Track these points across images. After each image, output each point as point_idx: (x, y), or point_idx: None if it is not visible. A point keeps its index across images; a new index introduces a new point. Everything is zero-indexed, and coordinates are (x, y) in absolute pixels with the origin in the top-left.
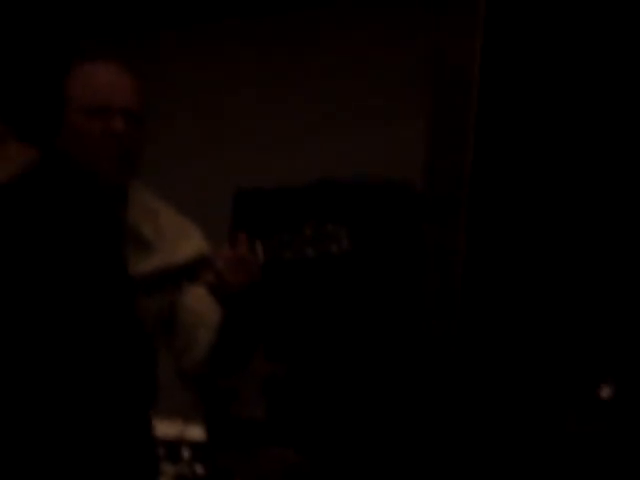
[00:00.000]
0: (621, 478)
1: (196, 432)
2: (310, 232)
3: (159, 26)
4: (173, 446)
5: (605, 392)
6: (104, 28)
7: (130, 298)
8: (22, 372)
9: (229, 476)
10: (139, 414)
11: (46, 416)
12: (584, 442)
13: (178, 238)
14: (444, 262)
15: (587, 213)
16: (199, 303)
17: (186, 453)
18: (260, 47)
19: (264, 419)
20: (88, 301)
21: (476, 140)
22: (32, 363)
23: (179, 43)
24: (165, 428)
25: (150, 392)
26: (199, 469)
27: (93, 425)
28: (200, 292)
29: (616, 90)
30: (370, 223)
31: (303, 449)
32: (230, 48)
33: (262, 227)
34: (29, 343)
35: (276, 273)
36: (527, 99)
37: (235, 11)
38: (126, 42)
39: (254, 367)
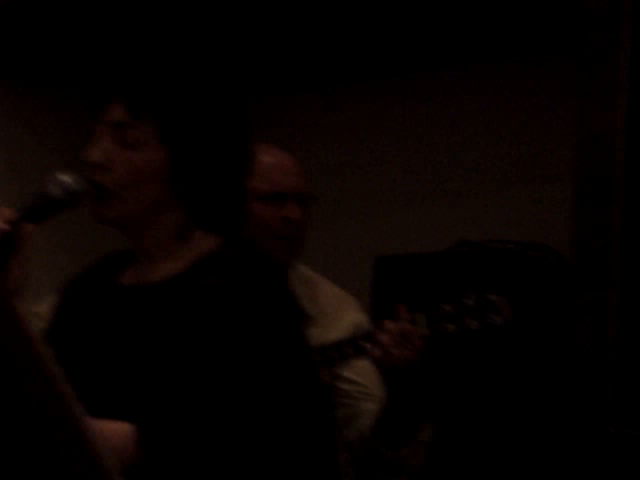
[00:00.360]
0: None
1: None
2: (471, 303)
3: (294, 90)
4: None
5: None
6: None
7: (317, 379)
8: (219, 446)
9: None
10: None
11: None
12: None
13: (337, 311)
14: (597, 327)
15: None
16: (362, 375)
17: None
18: (399, 108)
19: None
20: (281, 383)
21: (625, 204)
22: (227, 435)
23: (312, 107)
24: None
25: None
26: None
27: None
28: (363, 364)
29: None
30: (515, 289)
31: None
32: (369, 109)
33: (403, 293)
34: (226, 420)
35: (438, 344)
36: None
37: (373, 72)
38: (259, 106)
39: (420, 438)
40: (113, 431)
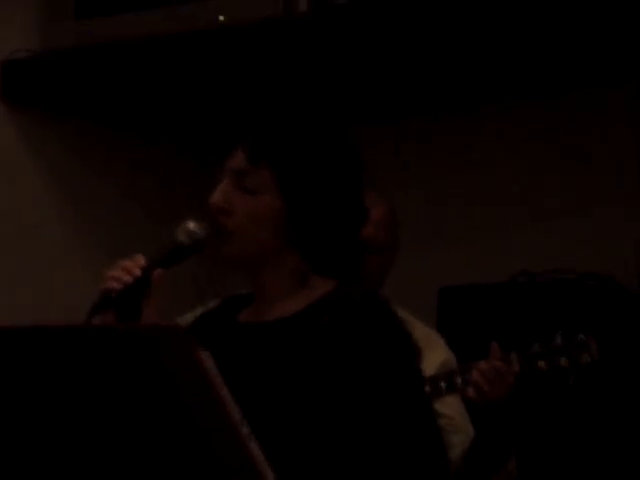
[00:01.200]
0: None
1: None
2: (561, 341)
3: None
4: None
5: None
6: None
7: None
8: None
9: None
10: None
11: None
12: None
13: (426, 349)
14: None
15: None
16: (452, 409)
17: None
18: (455, 141)
19: None
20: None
21: None
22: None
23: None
24: None
25: None
26: None
27: None
28: (452, 399)
29: None
30: (573, 320)
31: None
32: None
33: (467, 325)
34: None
35: (530, 382)
36: None
37: (436, 107)
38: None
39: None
40: None
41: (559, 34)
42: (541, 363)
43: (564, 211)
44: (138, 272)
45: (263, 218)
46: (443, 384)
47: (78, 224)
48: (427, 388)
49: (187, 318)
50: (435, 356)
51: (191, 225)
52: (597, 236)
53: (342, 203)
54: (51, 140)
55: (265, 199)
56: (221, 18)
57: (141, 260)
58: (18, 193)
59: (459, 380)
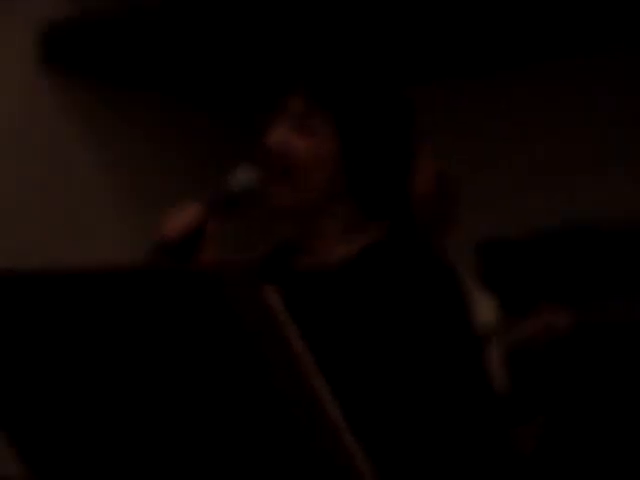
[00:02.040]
0: None
1: None
2: (616, 296)
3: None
4: None
5: None
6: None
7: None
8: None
9: None
10: None
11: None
12: None
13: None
14: None
15: None
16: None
17: None
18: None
19: None
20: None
21: None
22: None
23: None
24: None
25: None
26: None
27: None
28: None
29: None
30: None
31: None
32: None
33: (510, 278)
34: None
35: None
36: None
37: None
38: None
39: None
40: None
41: None
42: (595, 317)
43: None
44: (194, 221)
45: (321, 160)
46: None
47: (113, 183)
48: None
49: None
50: (483, 312)
51: (243, 173)
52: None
53: (396, 149)
54: (92, 104)
55: (323, 141)
56: None
57: (196, 209)
58: (61, 156)
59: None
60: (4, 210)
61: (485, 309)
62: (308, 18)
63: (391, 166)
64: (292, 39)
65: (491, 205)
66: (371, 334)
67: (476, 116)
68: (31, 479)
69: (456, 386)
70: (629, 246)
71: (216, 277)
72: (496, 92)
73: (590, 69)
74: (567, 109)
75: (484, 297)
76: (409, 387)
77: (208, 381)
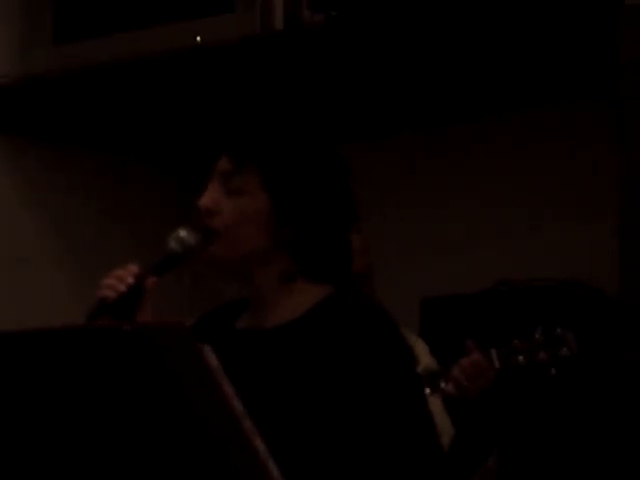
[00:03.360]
0: None
1: None
2: (540, 337)
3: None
4: None
5: None
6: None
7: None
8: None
9: None
10: None
11: None
12: None
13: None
14: None
15: None
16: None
17: None
18: (435, 157)
19: None
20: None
21: None
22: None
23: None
24: None
25: None
26: None
27: None
28: (432, 400)
29: None
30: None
31: None
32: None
33: (450, 334)
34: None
35: (509, 377)
36: None
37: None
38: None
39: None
40: None
41: (545, 42)
42: (520, 358)
43: (542, 220)
44: (132, 280)
45: (250, 217)
46: (427, 386)
47: (60, 245)
48: None
49: None
50: (420, 361)
51: (182, 233)
52: (576, 244)
53: (327, 202)
54: (29, 164)
55: (251, 199)
56: (198, 39)
57: (134, 268)
58: (3, 219)
59: (440, 381)
60: None
61: (423, 354)
62: (236, 80)
63: (324, 217)
64: (223, 103)
65: (434, 262)
66: (319, 395)
67: (415, 174)
68: None
69: (404, 447)
70: (556, 300)
71: (150, 335)
72: (434, 150)
73: (516, 123)
74: (505, 169)
75: (421, 343)
76: (352, 450)
77: (144, 436)
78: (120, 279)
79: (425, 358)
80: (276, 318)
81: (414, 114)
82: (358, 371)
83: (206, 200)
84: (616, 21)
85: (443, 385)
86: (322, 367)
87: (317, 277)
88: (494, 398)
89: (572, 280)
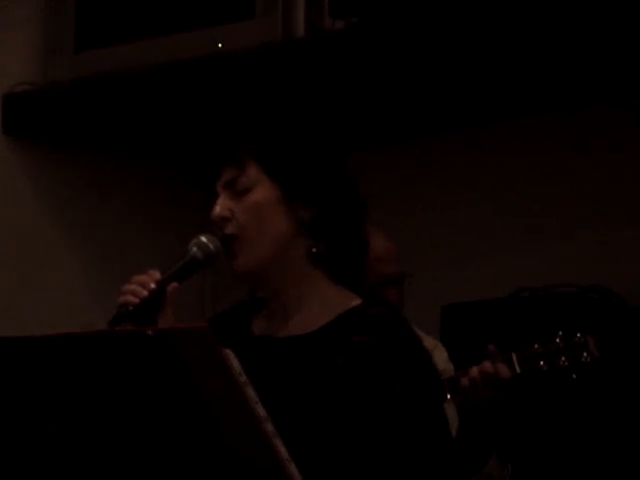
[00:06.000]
0: None
1: None
2: (561, 342)
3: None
4: None
5: None
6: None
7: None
8: None
9: None
10: None
11: None
12: None
13: None
14: None
15: None
16: None
17: None
18: (461, 160)
19: None
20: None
21: None
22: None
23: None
24: None
25: None
26: None
27: None
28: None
29: None
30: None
31: None
32: (432, 160)
33: (471, 341)
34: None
35: (530, 382)
36: None
37: (443, 126)
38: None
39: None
40: None
41: (550, 53)
42: (541, 363)
43: (562, 227)
44: (153, 286)
45: (263, 208)
46: None
47: (80, 250)
48: None
49: None
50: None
51: (203, 239)
52: (597, 250)
53: (332, 179)
54: (52, 171)
55: (259, 191)
56: (220, 45)
57: (156, 274)
58: (20, 223)
59: (454, 387)
60: None
61: (440, 360)
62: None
63: (333, 194)
64: (244, 109)
65: (455, 269)
66: (341, 403)
67: (429, 181)
68: None
69: (419, 455)
70: (577, 306)
71: (173, 339)
72: (450, 157)
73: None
74: (524, 176)
75: (440, 348)
76: (371, 458)
77: (167, 440)
78: (142, 284)
79: (442, 364)
80: (298, 325)
81: (433, 119)
82: (380, 382)
83: (217, 209)
84: None
85: (454, 390)
86: (345, 379)
87: (337, 268)
88: (503, 404)
89: (592, 286)
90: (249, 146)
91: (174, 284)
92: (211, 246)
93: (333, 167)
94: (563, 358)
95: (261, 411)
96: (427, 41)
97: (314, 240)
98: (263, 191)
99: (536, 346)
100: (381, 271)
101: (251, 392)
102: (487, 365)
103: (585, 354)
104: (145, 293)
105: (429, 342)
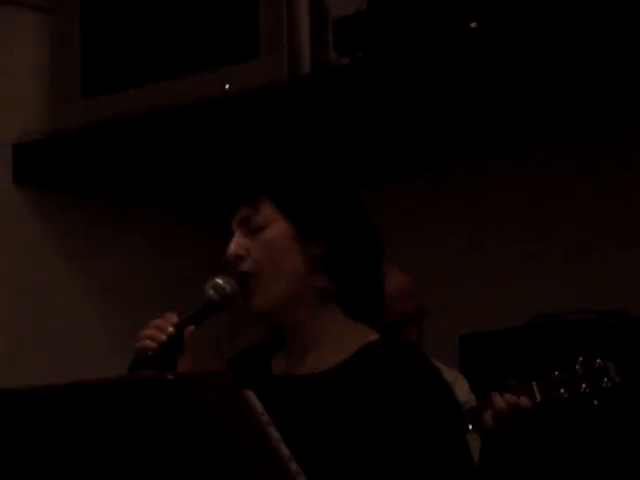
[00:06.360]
0: None
1: None
2: (581, 368)
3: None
4: None
5: None
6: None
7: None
8: None
9: None
10: None
11: None
12: None
13: None
14: None
15: None
16: None
17: None
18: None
19: None
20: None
21: None
22: None
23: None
24: None
25: None
26: None
27: None
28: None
29: None
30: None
31: None
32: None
33: (490, 370)
34: None
35: (551, 410)
36: None
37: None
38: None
39: None
40: None
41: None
42: (562, 390)
43: (576, 253)
44: (171, 330)
45: (277, 244)
46: None
47: (98, 298)
48: None
49: None
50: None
51: (219, 281)
52: (612, 275)
53: (346, 214)
54: (64, 218)
55: (273, 229)
56: (227, 86)
57: (173, 318)
58: (35, 273)
59: (476, 418)
60: None
61: (462, 391)
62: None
63: (347, 229)
64: (254, 148)
65: (472, 299)
66: (364, 443)
67: (449, 210)
68: None
69: None
70: (595, 332)
71: (193, 383)
72: (463, 187)
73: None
74: (540, 202)
75: (461, 380)
76: None
77: None
78: (160, 329)
79: (464, 396)
80: (317, 362)
81: (444, 148)
82: (401, 416)
83: (232, 248)
84: None
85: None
86: (366, 412)
87: (353, 303)
88: (525, 433)
89: (609, 311)
90: (262, 184)
91: (191, 327)
92: (227, 288)
93: (345, 202)
94: (584, 385)
95: (284, 450)
96: (430, 75)
97: (327, 276)
98: (277, 228)
99: (556, 373)
100: (397, 309)
101: (274, 431)
102: (508, 396)
103: (606, 379)
104: (164, 337)
105: (449, 374)
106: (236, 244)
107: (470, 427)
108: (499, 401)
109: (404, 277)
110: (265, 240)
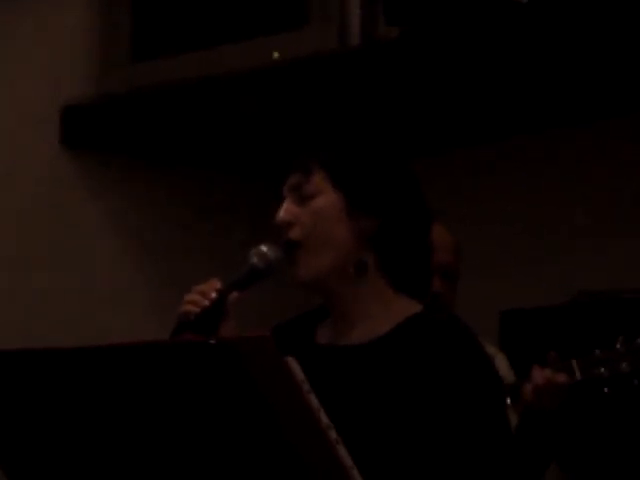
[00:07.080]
0: None
1: None
2: (622, 347)
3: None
4: None
5: None
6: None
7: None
8: None
9: None
10: None
11: None
12: None
13: None
14: None
15: None
16: None
17: None
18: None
19: None
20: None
21: None
22: None
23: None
24: None
25: None
26: None
27: None
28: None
29: None
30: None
31: None
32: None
33: (530, 346)
34: None
35: (591, 389)
36: None
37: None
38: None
39: None
40: None
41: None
42: (602, 369)
43: (622, 230)
44: (214, 295)
45: (327, 214)
46: None
47: (142, 260)
48: None
49: None
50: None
51: (264, 248)
52: None
53: (397, 189)
54: (111, 182)
55: (324, 198)
56: (275, 55)
57: (217, 283)
58: (80, 236)
59: (515, 394)
60: (34, 290)
61: (501, 368)
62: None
63: (398, 204)
64: (301, 116)
65: (514, 274)
66: (405, 412)
67: (494, 186)
68: None
69: (484, 462)
70: (637, 310)
71: (235, 348)
72: (511, 162)
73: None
74: (584, 179)
75: (501, 356)
76: (436, 465)
77: (231, 449)
78: (203, 294)
79: (503, 372)
80: (361, 333)
81: (489, 125)
82: (445, 392)
83: (282, 214)
84: None
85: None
86: (408, 386)
87: (403, 288)
88: (564, 411)
89: None
90: (317, 153)
91: (235, 293)
92: (272, 256)
93: (399, 177)
94: (624, 364)
95: (324, 419)
96: (477, 48)
97: (373, 250)
98: (327, 198)
99: (597, 352)
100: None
101: (314, 400)
102: (548, 372)
103: None
104: (206, 302)
105: (490, 350)
106: (285, 211)
107: (509, 401)
108: (539, 375)
109: (446, 233)
110: (314, 209)
